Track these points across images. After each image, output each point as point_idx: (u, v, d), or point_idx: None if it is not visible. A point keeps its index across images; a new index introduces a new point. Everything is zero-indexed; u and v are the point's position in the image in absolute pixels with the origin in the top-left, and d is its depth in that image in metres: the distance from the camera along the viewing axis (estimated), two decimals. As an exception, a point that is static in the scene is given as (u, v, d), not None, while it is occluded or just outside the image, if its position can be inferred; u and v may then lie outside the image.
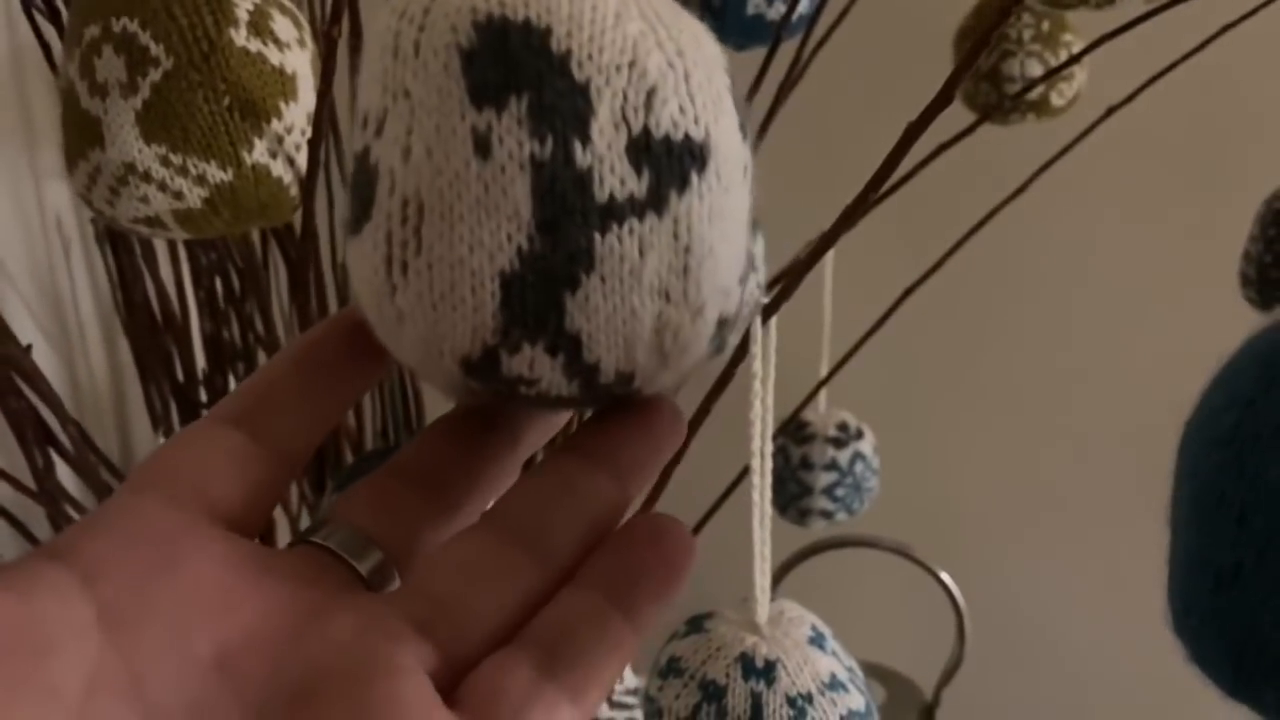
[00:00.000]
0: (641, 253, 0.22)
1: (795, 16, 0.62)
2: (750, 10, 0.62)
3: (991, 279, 0.95)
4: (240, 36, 0.37)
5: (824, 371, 0.81)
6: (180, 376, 0.66)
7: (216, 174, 0.37)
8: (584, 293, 0.22)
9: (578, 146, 0.22)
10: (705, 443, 0.57)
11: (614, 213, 0.22)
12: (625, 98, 0.22)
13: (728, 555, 0.49)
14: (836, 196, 0.55)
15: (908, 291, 0.68)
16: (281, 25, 0.38)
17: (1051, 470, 1.01)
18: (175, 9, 0.36)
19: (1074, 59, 0.52)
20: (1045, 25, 0.70)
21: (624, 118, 0.22)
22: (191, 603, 0.22)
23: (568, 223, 0.22)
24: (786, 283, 0.37)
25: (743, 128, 0.24)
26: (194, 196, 0.37)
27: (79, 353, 0.83)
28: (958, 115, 0.70)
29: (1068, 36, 0.71)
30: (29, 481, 0.54)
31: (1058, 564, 1.02)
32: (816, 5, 0.62)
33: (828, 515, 0.85)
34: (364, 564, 0.24)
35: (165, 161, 0.37)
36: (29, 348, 0.48)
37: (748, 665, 0.41)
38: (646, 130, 0.22)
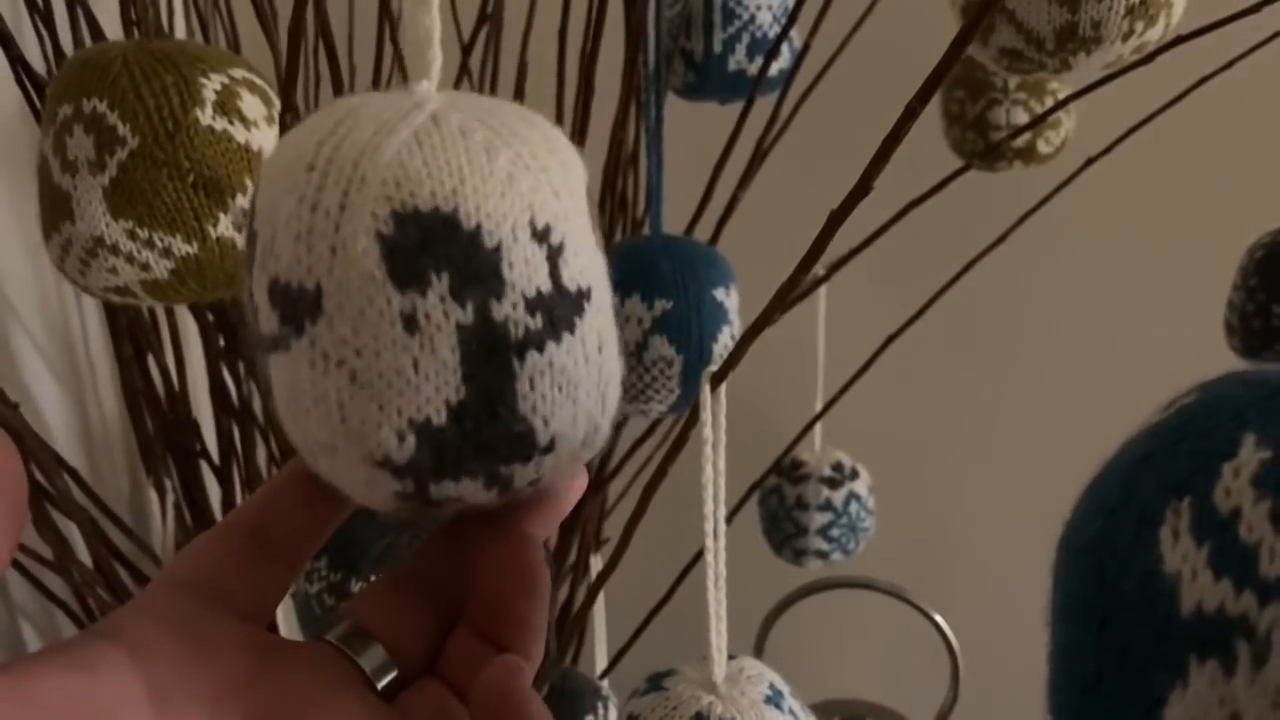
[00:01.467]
0: (553, 382, 0.25)
1: (775, 71, 0.63)
2: (732, 67, 0.63)
3: (987, 319, 0.95)
4: (206, 116, 0.38)
5: (818, 410, 0.81)
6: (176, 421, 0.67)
7: (182, 247, 0.38)
8: (505, 425, 0.25)
9: (494, 305, 0.24)
10: (680, 501, 0.58)
11: (525, 350, 0.24)
12: (528, 256, 0.24)
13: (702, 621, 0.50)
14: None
15: (891, 337, 0.68)
16: (249, 104, 0.39)
17: (1047, 512, 1.00)
18: (143, 90, 0.37)
19: (1050, 111, 0.53)
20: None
21: (531, 271, 0.24)
22: (222, 681, 0.25)
23: (489, 369, 0.24)
24: (735, 350, 0.38)
25: (597, 238, 0.27)
26: (161, 268, 0.39)
27: (89, 391, 0.85)
28: (946, 161, 0.71)
29: (1054, 85, 0.72)
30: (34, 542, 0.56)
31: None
32: (796, 59, 0.63)
33: (823, 555, 0.85)
34: (365, 659, 0.28)
35: (132, 235, 0.38)
36: (16, 405, 0.49)
37: (703, 724, 0.41)
38: (552, 277, 0.25)
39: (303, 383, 0.24)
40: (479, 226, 0.24)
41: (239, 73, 0.40)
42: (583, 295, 0.25)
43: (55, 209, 0.39)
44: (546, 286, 0.24)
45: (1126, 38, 0.46)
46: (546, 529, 0.29)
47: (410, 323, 0.24)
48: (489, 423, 0.24)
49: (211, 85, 0.39)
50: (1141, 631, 0.20)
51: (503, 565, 0.27)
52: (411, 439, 0.24)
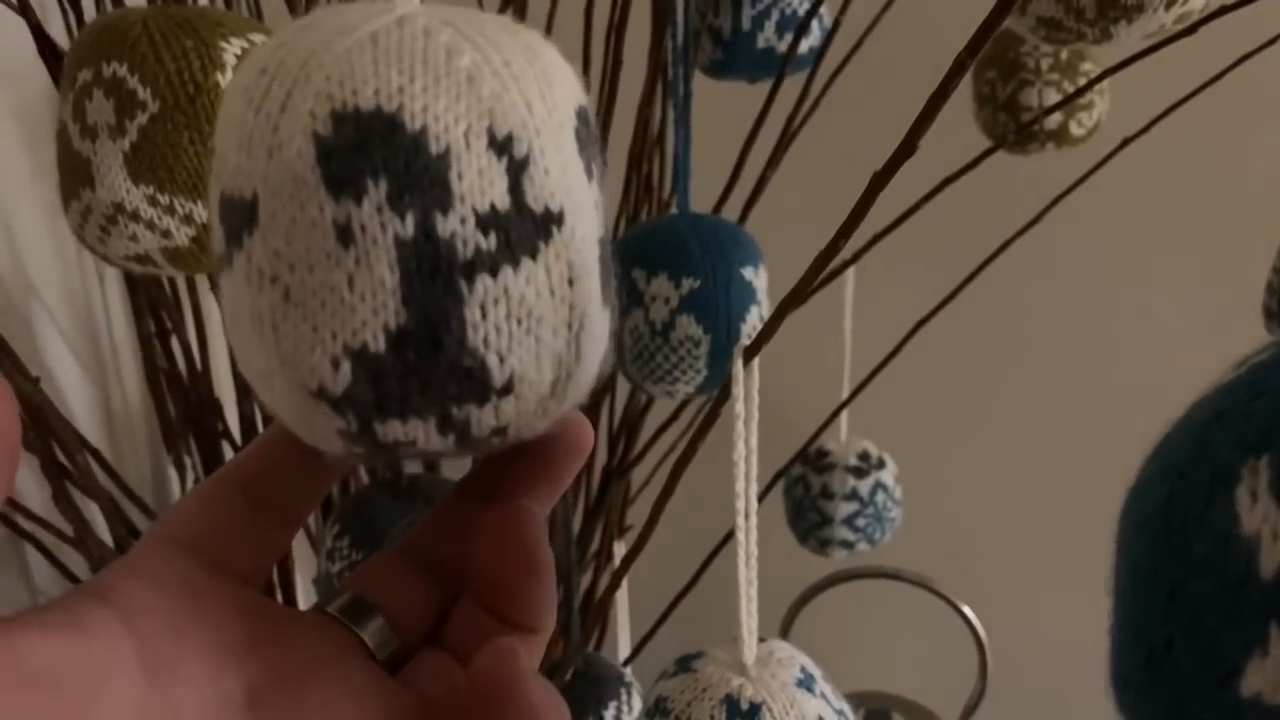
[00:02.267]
0: (509, 312, 0.22)
1: (804, 49, 0.62)
2: (760, 44, 0.62)
3: (1018, 305, 0.94)
4: (226, 79, 0.37)
5: (844, 398, 0.80)
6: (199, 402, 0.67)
7: (203, 213, 0.38)
8: (451, 357, 0.22)
9: (439, 219, 0.22)
10: (705, 488, 0.57)
11: (474, 273, 0.22)
12: (482, 166, 0.22)
13: (731, 601, 0.49)
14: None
15: (920, 323, 0.67)
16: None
17: (1076, 502, 0.99)
18: (163, 54, 0.37)
19: (1082, 89, 0.52)
20: (1064, 54, 0.69)
21: (485, 184, 0.22)
22: (220, 646, 0.24)
23: (432, 292, 0.22)
24: (768, 324, 0.37)
25: (588, 167, 0.24)
26: (182, 235, 0.38)
27: (112, 375, 0.84)
28: (977, 142, 0.70)
29: (1087, 65, 0.70)
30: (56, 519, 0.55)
31: (1082, 597, 1.00)
32: (826, 37, 0.62)
33: (848, 545, 0.84)
34: (366, 630, 0.26)
35: (153, 201, 0.37)
36: (37, 379, 0.48)
37: (733, 707, 0.41)
38: (512, 193, 0.22)
39: (241, 302, 0.23)
40: (424, 129, 0.22)
41: (258, 37, 0.39)
42: (551, 219, 0.23)
43: (74, 175, 0.38)
44: (504, 203, 0.22)
45: (1170, 5, 0.45)
46: (547, 501, 0.27)
47: (345, 234, 0.21)
48: (433, 353, 0.22)
49: (231, 50, 0.38)
50: (1216, 598, 0.18)
51: (501, 540, 0.26)
52: (347, 366, 0.22)
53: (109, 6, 0.56)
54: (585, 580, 0.76)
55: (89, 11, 0.57)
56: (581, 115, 0.24)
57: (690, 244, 0.55)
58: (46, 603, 0.23)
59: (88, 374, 0.81)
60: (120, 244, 0.38)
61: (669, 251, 0.55)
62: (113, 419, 0.84)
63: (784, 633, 0.90)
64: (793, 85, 0.63)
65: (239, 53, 0.38)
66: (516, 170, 0.22)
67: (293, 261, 0.22)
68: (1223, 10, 0.46)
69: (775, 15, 0.62)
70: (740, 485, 0.38)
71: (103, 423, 0.83)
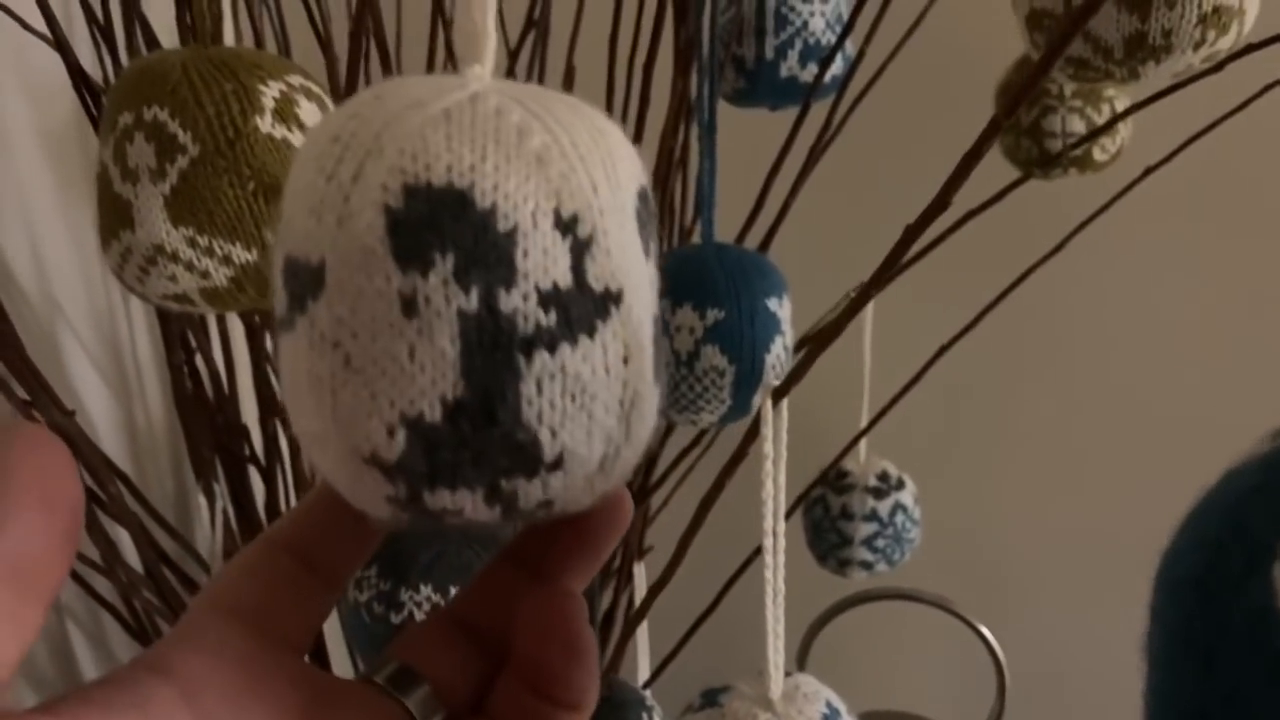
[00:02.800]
0: (564, 388, 0.23)
1: (828, 78, 0.62)
2: (783, 73, 0.63)
3: (1034, 329, 0.94)
4: (265, 124, 0.38)
5: (864, 420, 0.81)
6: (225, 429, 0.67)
7: (242, 254, 0.38)
8: (506, 430, 0.22)
9: (502, 294, 0.22)
10: (725, 510, 0.57)
11: (533, 348, 0.22)
12: (547, 245, 0.22)
13: (751, 623, 0.49)
14: (869, 257, 0.54)
15: (944, 348, 0.68)
16: (307, 110, 0.39)
17: (1095, 523, 0.99)
18: (203, 98, 0.37)
19: (1108, 124, 0.52)
20: (1086, 81, 0.69)
21: (549, 262, 0.22)
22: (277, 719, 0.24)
23: (491, 365, 0.22)
24: (798, 366, 0.37)
25: (646, 246, 0.24)
26: (220, 276, 0.39)
27: (136, 396, 0.85)
28: (998, 169, 0.70)
29: (1110, 91, 0.70)
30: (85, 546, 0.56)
31: (1101, 619, 1.00)
32: (849, 67, 0.63)
33: (868, 566, 0.84)
34: (412, 700, 0.27)
35: (192, 243, 0.38)
36: (72, 413, 0.49)
37: (759, 743, 0.41)
38: (574, 272, 0.23)
39: (300, 365, 0.23)
40: (494, 206, 0.22)
41: (295, 79, 0.39)
42: (610, 298, 0.23)
43: (115, 217, 0.39)
44: (566, 281, 0.22)
45: (1198, 46, 0.45)
46: (586, 576, 0.27)
47: (409, 305, 0.22)
48: (488, 425, 0.22)
49: (270, 93, 0.38)
50: (1254, 671, 0.19)
51: (544, 624, 0.26)
52: (402, 434, 0.22)
53: (139, 38, 0.57)
54: (605, 600, 0.76)
55: (120, 39, 0.58)
56: (642, 196, 0.25)
57: (715, 274, 0.56)
58: (105, 676, 0.23)
59: (113, 394, 0.82)
60: (159, 284, 0.39)
61: (694, 282, 0.56)
62: (137, 439, 0.84)
63: (803, 654, 0.90)
64: (815, 113, 0.63)
65: (277, 95, 0.38)
66: (580, 250, 0.23)
67: (356, 329, 0.22)
68: (1249, 49, 0.46)
69: (799, 45, 0.63)
70: (768, 524, 0.38)
71: (127, 443, 0.84)
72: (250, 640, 0.25)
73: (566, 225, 0.23)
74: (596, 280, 0.23)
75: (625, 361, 0.23)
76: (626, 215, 0.24)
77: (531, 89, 0.24)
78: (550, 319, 0.22)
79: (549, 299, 0.22)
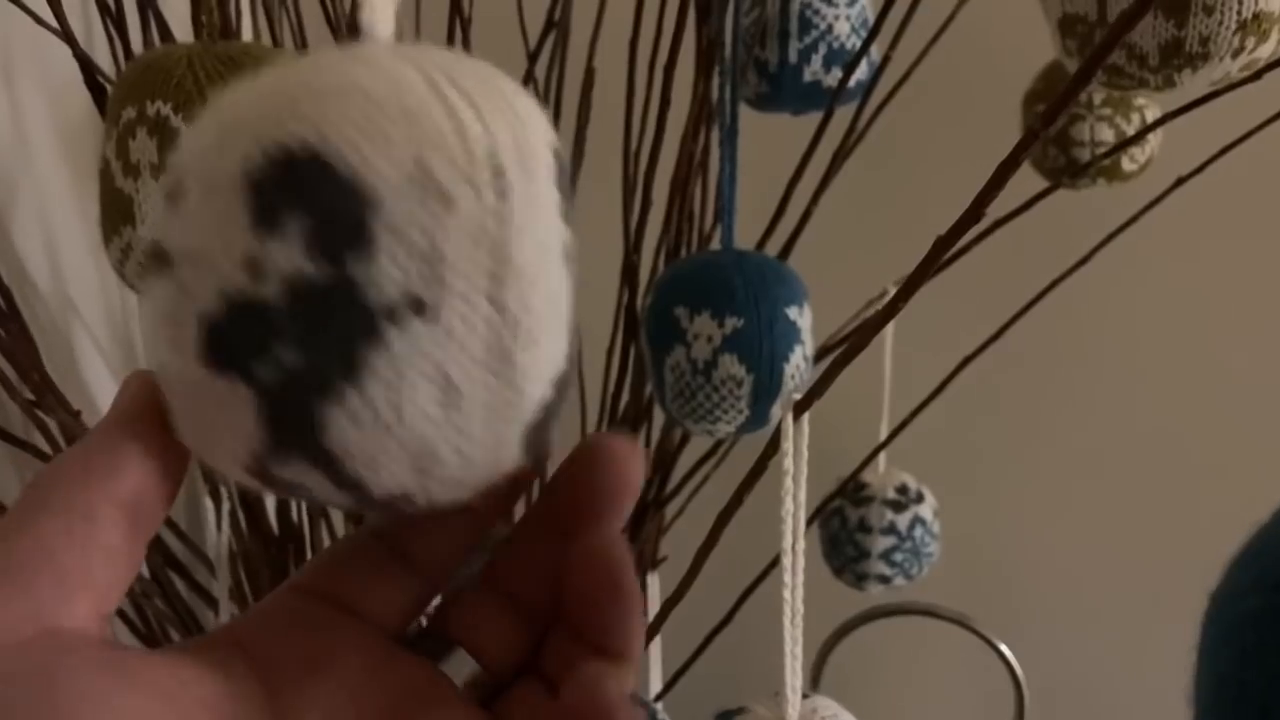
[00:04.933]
0: (407, 366, 0.22)
1: (852, 83, 0.61)
2: (807, 77, 0.61)
3: (1060, 342, 0.92)
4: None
5: (884, 432, 0.79)
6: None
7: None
8: (341, 409, 0.22)
9: (351, 263, 0.21)
10: (742, 520, 0.56)
11: (378, 324, 0.21)
12: (415, 212, 0.21)
13: (766, 635, 0.48)
14: (892, 266, 0.53)
15: (967, 359, 0.66)
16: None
17: (1119, 541, 0.97)
18: (207, 93, 0.36)
19: (1139, 134, 0.51)
20: (1117, 89, 0.68)
21: (411, 235, 0.21)
22: (339, 693, 0.25)
23: (328, 338, 0.21)
24: (819, 379, 0.36)
25: (564, 211, 0.23)
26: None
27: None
28: (1025, 177, 0.69)
29: (1140, 100, 0.69)
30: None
31: (1123, 639, 0.99)
32: (874, 72, 0.61)
33: (885, 580, 0.83)
34: (451, 667, 0.27)
35: (196, 243, 0.37)
36: (78, 414, 0.48)
37: (775, 768, 0.40)
38: (435, 246, 0.21)
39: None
40: (354, 170, 0.22)
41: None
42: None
43: (116, 212, 0.38)
44: (431, 256, 0.22)
45: (1236, 54, 0.44)
46: (616, 523, 0.27)
47: (253, 266, 0.22)
48: (322, 396, 0.22)
49: (275, 88, 0.37)
50: (1314, 724, 0.17)
51: (585, 570, 0.26)
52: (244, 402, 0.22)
53: (155, 34, 0.56)
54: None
55: (134, 35, 0.58)
56: (557, 157, 0.24)
57: (735, 282, 0.55)
58: (188, 641, 0.25)
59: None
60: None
61: (713, 289, 0.55)
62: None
63: (817, 669, 0.89)
64: (838, 119, 0.62)
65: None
66: (448, 228, 0.22)
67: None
68: (1290, 57, 0.45)
69: (823, 49, 0.62)
70: (787, 541, 0.37)
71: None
72: (324, 616, 0.26)
73: (443, 195, 0.21)
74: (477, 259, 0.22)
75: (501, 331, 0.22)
76: (534, 168, 0.23)
77: (432, 51, 0.23)
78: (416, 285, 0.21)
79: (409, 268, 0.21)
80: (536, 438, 0.24)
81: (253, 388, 0.22)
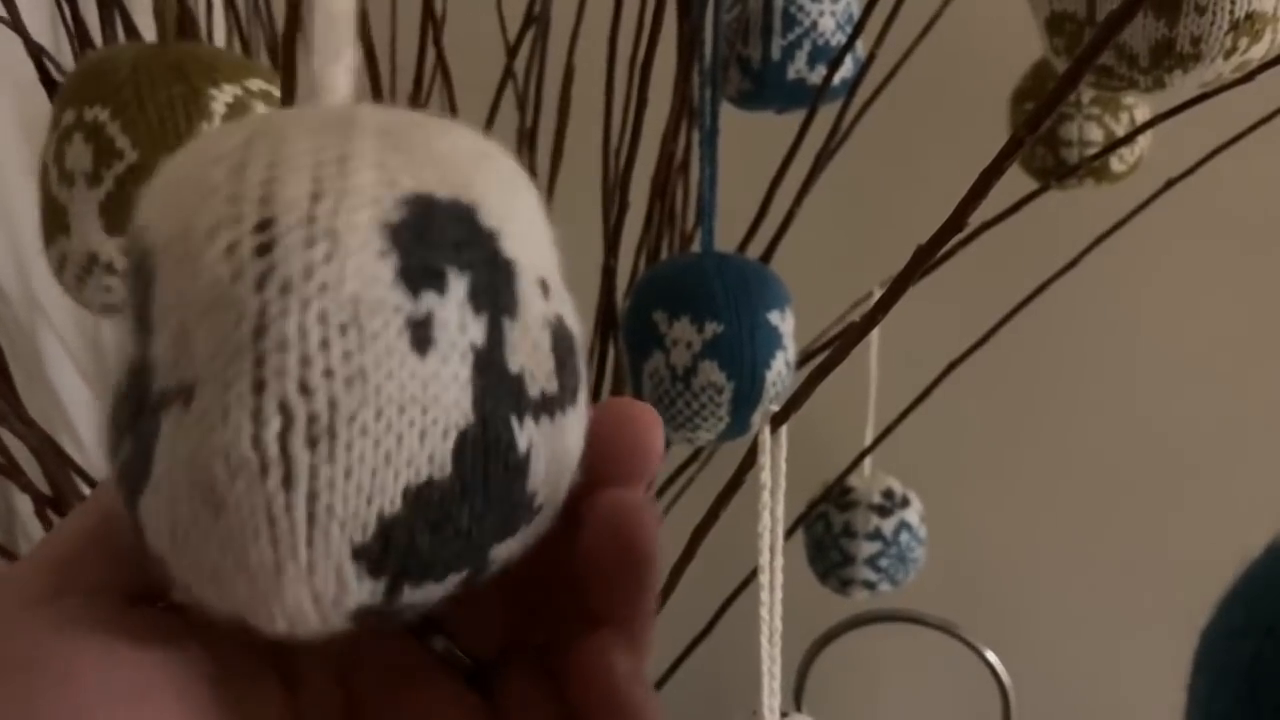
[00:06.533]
0: (561, 448, 0.21)
1: (837, 80, 0.59)
2: (791, 75, 0.60)
3: (1048, 346, 0.91)
4: (213, 128, 0.35)
5: (870, 436, 0.78)
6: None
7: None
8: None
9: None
10: (724, 529, 0.55)
11: (538, 409, 0.20)
12: (539, 279, 0.20)
13: (748, 645, 0.46)
14: (876, 269, 0.52)
15: (954, 364, 0.65)
16: (263, 117, 0.36)
17: (1107, 547, 0.96)
18: (147, 101, 0.34)
19: (1129, 136, 0.49)
20: (1106, 88, 0.67)
21: (541, 302, 0.20)
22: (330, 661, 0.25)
23: (502, 424, 0.19)
24: (798, 391, 0.35)
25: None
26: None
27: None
28: (1013, 178, 0.68)
29: (1129, 99, 0.68)
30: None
31: (1111, 647, 0.98)
32: (859, 69, 0.60)
33: (870, 586, 0.81)
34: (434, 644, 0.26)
35: (128, 254, 0.35)
36: (32, 424, 0.47)
37: (751, 791, 0.38)
38: (558, 316, 0.21)
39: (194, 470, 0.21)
40: (497, 229, 0.21)
41: (255, 83, 0.37)
42: (571, 347, 0.22)
43: (52, 220, 0.37)
44: (555, 331, 0.22)
45: (1228, 55, 0.43)
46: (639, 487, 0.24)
47: (423, 335, 0.20)
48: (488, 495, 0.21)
49: (223, 97, 0.36)
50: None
51: (603, 527, 0.23)
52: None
53: (119, 30, 0.54)
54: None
55: (95, 32, 0.56)
56: None
57: (715, 286, 0.53)
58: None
59: (96, 397, 0.80)
60: (96, 294, 0.36)
61: (693, 294, 0.53)
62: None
63: (801, 677, 0.87)
64: (822, 117, 0.61)
65: (230, 100, 0.35)
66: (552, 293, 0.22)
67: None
68: (1283, 58, 0.43)
69: (807, 45, 0.60)
70: (764, 558, 0.36)
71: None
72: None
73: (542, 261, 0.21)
74: (565, 317, 0.21)
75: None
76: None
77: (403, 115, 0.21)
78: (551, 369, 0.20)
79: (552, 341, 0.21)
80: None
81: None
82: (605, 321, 0.66)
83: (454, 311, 0.18)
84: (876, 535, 0.81)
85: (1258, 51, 0.43)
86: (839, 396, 0.80)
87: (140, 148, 0.34)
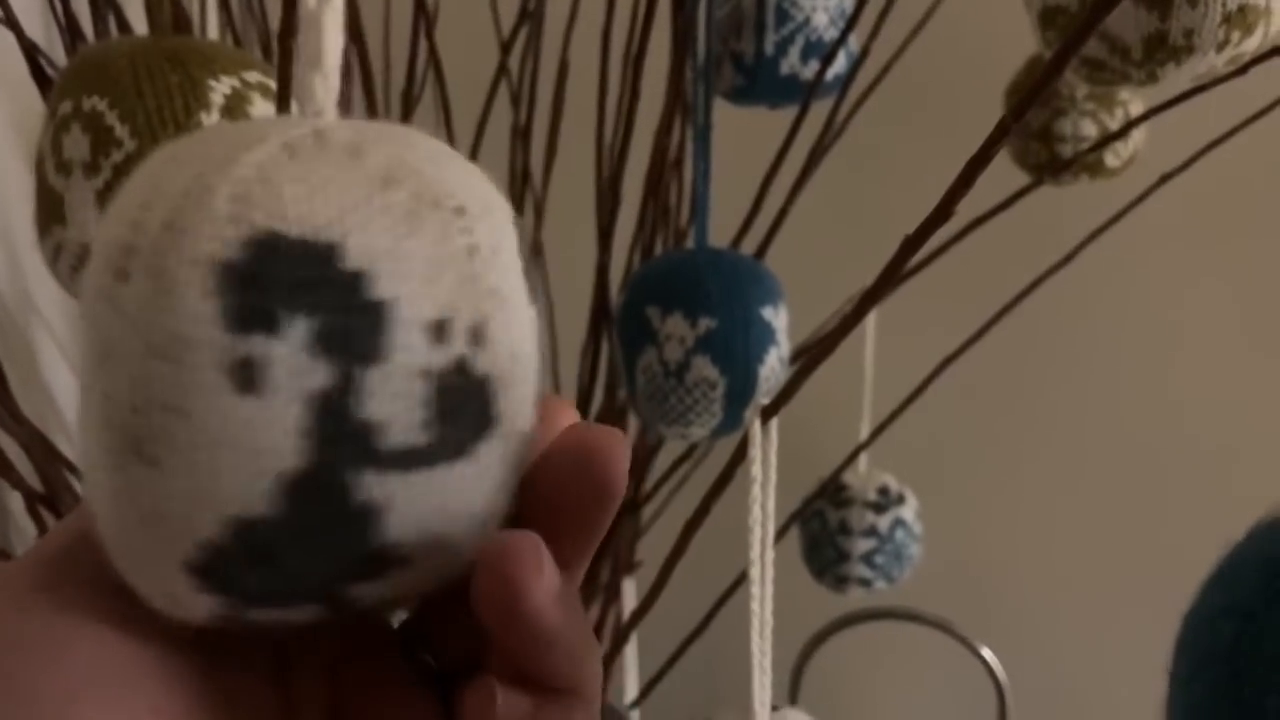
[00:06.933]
0: (437, 503, 0.20)
1: (830, 76, 0.59)
2: (784, 70, 0.60)
3: (1043, 341, 0.91)
4: (211, 120, 0.35)
5: (865, 432, 0.78)
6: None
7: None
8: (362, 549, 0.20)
9: (364, 381, 0.19)
10: (719, 524, 0.55)
11: (395, 461, 0.19)
12: (430, 323, 0.19)
13: (745, 640, 0.46)
14: (870, 264, 0.52)
15: (949, 359, 0.65)
16: (261, 109, 0.36)
17: (1103, 544, 0.96)
18: (145, 90, 0.35)
19: (1122, 130, 0.49)
20: (1100, 83, 0.67)
21: (423, 350, 0.19)
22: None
23: (341, 472, 0.19)
24: (788, 384, 0.35)
25: (532, 300, 0.22)
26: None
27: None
28: (1007, 173, 0.68)
29: (1123, 94, 0.67)
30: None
31: (1107, 643, 0.97)
32: (853, 64, 0.60)
33: (866, 583, 0.81)
34: None
35: (125, 245, 0.35)
36: (24, 421, 0.47)
37: (742, 785, 0.38)
38: (455, 362, 0.20)
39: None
40: (362, 271, 0.20)
41: (253, 76, 0.37)
42: (489, 397, 0.21)
43: (48, 210, 0.36)
44: (446, 374, 0.21)
45: (1221, 48, 0.42)
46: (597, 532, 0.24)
47: (247, 377, 0.19)
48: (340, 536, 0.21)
49: (221, 89, 0.36)
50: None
51: (572, 462, 0.22)
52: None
53: (113, 29, 0.54)
54: (592, 616, 0.73)
55: (87, 25, 0.56)
56: (521, 245, 0.22)
57: (708, 281, 0.53)
58: None
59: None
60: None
61: (686, 289, 0.53)
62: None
63: (796, 675, 0.87)
64: (815, 112, 0.61)
65: (228, 92, 0.35)
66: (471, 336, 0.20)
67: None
68: (1277, 51, 0.43)
69: (800, 41, 0.60)
70: (755, 552, 0.36)
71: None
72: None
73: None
74: (479, 369, 0.20)
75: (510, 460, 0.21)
76: (511, 261, 0.21)
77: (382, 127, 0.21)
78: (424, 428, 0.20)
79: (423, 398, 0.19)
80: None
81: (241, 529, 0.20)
82: (600, 317, 0.66)
83: (288, 354, 0.18)
84: (872, 532, 0.81)
85: (1251, 44, 0.43)
86: (834, 393, 0.80)
87: (139, 137, 0.34)
